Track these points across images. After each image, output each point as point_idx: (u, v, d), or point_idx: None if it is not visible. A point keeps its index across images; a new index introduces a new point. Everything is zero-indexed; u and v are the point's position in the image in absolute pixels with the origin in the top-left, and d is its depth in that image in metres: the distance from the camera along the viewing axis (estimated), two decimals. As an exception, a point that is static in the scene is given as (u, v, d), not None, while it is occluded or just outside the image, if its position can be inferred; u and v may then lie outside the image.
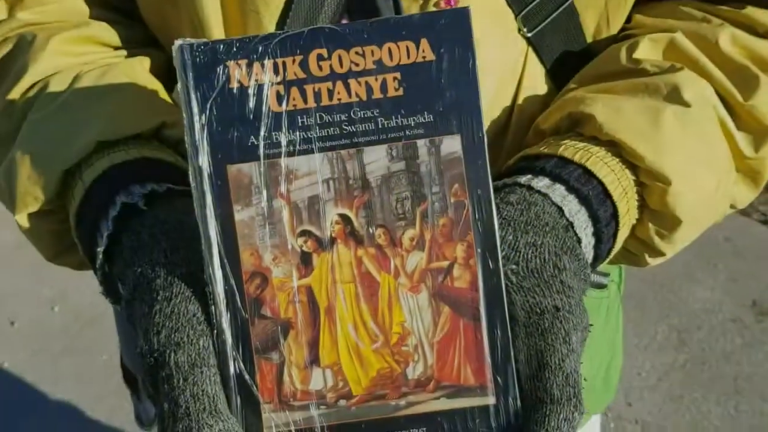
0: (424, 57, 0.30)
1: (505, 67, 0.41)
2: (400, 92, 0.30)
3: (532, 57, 0.41)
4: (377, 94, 0.30)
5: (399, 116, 0.30)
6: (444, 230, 0.30)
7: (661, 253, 0.39)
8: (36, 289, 1.71)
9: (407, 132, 0.30)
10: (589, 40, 0.43)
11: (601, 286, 0.50)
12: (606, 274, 0.50)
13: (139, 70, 0.41)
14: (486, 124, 0.31)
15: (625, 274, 0.58)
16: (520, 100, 0.42)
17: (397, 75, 0.30)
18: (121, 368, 0.66)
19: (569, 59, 0.42)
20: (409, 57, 0.30)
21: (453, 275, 0.30)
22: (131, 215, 0.33)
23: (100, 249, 0.33)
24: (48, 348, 1.60)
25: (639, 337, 1.54)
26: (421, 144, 0.30)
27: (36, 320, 1.67)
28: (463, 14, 0.30)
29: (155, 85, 0.41)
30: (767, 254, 1.72)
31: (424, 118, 0.30)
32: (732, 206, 0.43)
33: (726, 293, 1.63)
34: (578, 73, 0.42)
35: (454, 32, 0.30)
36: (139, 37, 0.45)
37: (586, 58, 0.42)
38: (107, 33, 0.43)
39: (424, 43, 0.30)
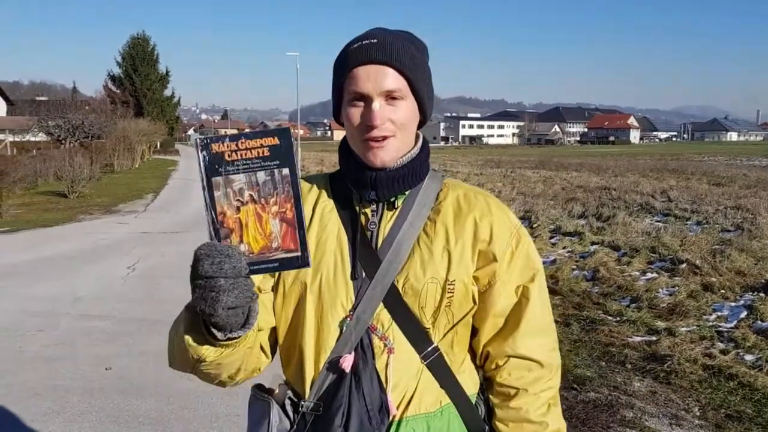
0: (274, 142, 0.93)
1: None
2: (267, 153, 0.93)
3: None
4: (261, 155, 0.93)
5: (267, 161, 0.93)
6: (281, 198, 0.94)
7: None
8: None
9: (269, 165, 0.93)
10: None
11: None
12: None
13: None
14: None
15: None
16: None
17: (266, 150, 0.93)
18: None
19: None
20: (270, 142, 0.94)
21: (287, 213, 0.93)
22: None
23: None
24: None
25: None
26: (276, 171, 0.93)
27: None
28: (287, 132, 0.94)
29: None
30: None
31: (276, 162, 0.93)
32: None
33: None
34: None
35: (286, 136, 0.94)
36: None
37: None
38: None
39: (275, 139, 0.94)
